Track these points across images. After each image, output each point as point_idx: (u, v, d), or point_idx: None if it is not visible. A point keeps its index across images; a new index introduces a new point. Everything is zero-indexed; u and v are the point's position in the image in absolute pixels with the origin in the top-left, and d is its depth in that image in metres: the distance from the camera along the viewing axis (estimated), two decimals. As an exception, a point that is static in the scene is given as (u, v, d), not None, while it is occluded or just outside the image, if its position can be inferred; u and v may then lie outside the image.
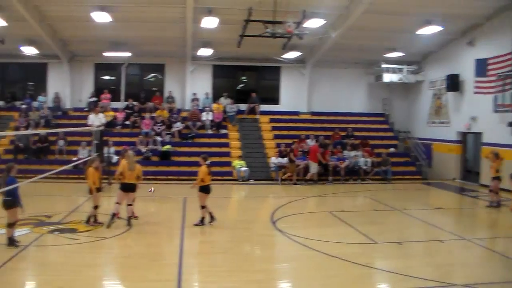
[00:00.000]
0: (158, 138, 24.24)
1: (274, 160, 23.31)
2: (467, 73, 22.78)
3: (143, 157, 22.36)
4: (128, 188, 12.90)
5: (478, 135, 23.10)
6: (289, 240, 12.11)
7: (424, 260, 10.86)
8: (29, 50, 24.54)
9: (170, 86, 27.88)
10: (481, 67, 20.88)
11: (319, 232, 12.91)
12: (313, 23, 19.96)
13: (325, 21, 20.62)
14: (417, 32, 22.21)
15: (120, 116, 25.64)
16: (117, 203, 12.83)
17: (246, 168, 22.77)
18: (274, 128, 26.92)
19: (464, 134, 24.41)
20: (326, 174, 23.20)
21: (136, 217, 13.61)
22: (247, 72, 29.60)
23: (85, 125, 22.37)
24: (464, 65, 23.16)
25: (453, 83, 23.90)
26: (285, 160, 23.06)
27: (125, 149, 16.18)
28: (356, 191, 21.09)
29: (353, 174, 23.60)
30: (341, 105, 28.80)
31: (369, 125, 28.20)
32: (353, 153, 24.10)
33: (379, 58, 26.79)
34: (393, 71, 26.95)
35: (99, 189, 13.15)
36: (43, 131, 22.68)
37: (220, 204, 17.14)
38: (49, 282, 8.64)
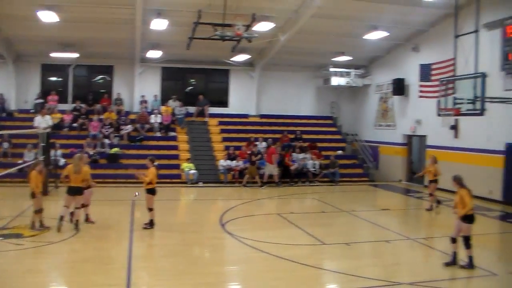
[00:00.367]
0: (106, 141, 23.76)
1: (222, 162, 23.25)
2: (412, 77, 23.37)
3: (91, 159, 21.81)
4: (74, 191, 12.56)
5: (422, 137, 23.70)
6: (238, 242, 12.05)
7: (372, 260, 11.07)
8: (-29, 50, 23.56)
9: (119, 88, 27.37)
10: (425, 72, 21.41)
11: (268, 234, 12.90)
12: (262, 26, 20.05)
13: (274, 25, 20.71)
14: (364, 37, 22.63)
15: (68, 118, 24.91)
16: (65, 206, 12.50)
17: (195, 171, 22.59)
18: (222, 131, 26.81)
19: (409, 137, 24.98)
20: (287, 177, 23.43)
21: (93, 222, 13.34)
22: (196, 75, 29.36)
23: (31, 127, 21.62)
24: (409, 69, 23.75)
25: (399, 87, 24.49)
26: (233, 163, 23.08)
27: (81, 152, 15.85)
28: (304, 193, 21.23)
29: (302, 176, 23.74)
30: (290, 108, 29.01)
31: (317, 128, 28.47)
32: (301, 155, 24.27)
33: (327, 62, 27.12)
34: (341, 74, 27.36)
35: (42, 193, 12.73)
36: (-14, 133, 21.82)
37: (169, 207, 17.05)
38: (-10, 289, 8.30)
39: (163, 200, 16.42)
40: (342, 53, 25.79)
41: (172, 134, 25.86)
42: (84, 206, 13.26)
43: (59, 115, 24.71)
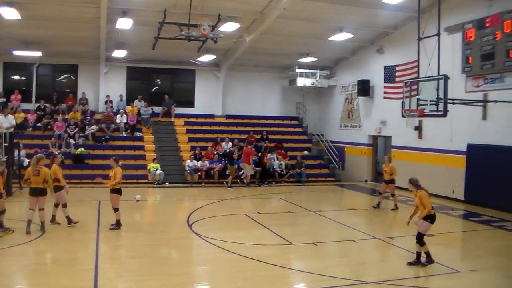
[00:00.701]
0: (72, 141, 23.41)
1: (189, 163, 23.16)
2: (377, 78, 23.73)
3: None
4: (36, 192, 12.34)
5: (387, 138, 24.08)
6: (205, 243, 12.01)
7: (339, 259, 11.20)
8: None
9: (84, 88, 26.96)
10: (390, 73, 21.80)
11: (235, 234, 12.92)
12: (228, 27, 20.10)
13: (240, 25, 20.77)
14: (329, 39, 22.92)
15: (32, 117, 24.44)
16: (30, 209, 12.26)
17: (161, 171, 22.43)
18: (189, 131, 26.73)
19: (374, 138, 25.35)
20: (266, 176, 23.67)
21: (59, 223, 13.16)
22: (162, 75, 29.22)
23: (-7, 127, 21.13)
24: (374, 71, 24.11)
25: (364, 88, 24.80)
26: (199, 163, 23.03)
27: (43, 153, 15.62)
28: (271, 194, 21.29)
29: (268, 176, 23.83)
30: (256, 109, 29.14)
31: (283, 129, 28.72)
32: (267, 156, 24.33)
33: (293, 63, 27.32)
34: (307, 75, 27.56)
35: (1, 195, 12.45)
36: None
37: (135, 207, 16.93)
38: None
39: (129, 201, 16.36)
40: (308, 54, 26.02)
41: (138, 134, 25.65)
42: (63, 206, 13.14)
43: (22, 115, 24.24)
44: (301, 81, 27.55)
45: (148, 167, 22.76)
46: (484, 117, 17.78)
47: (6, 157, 17.25)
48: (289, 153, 25.60)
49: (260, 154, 24.09)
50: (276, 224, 14.21)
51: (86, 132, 24.37)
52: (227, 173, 22.90)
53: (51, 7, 19.26)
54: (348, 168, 26.79)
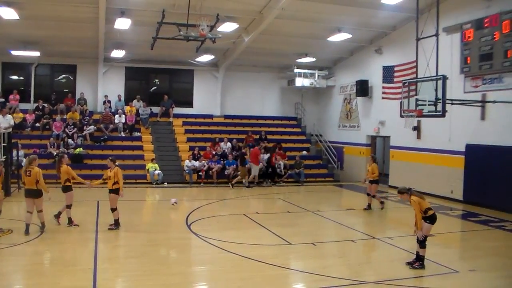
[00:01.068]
0: (70, 141, 23.39)
1: (187, 163, 23.14)
2: (376, 79, 23.75)
3: (54, 160, 21.40)
4: (30, 194, 12.18)
5: (386, 138, 24.08)
6: (204, 243, 12.00)
7: (338, 259, 11.19)
8: None
9: (82, 88, 26.94)
10: (388, 73, 21.80)
11: (234, 234, 12.92)
12: (227, 27, 20.12)
13: (238, 25, 20.77)
14: (328, 39, 22.92)
15: (30, 117, 24.42)
16: (28, 212, 12.15)
17: (159, 171, 22.43)
18: (187, 131, 26.73)
19: (373, 138, 25.35)
20: (273, 176, 23.77)
21: (76, 225, 13.17)
22: (160, 75, 29.21)
23: (-8, 127, 21.12)
24: (373, 71, 24.14)
25: (362, 89, 24.81)
26: (198, 163, 23.02)
27: (36, 153, 15.59)
28: (270, 194, 21.27)
29: (267, 176, 23.84)
30: (254, 109, 29.15)
31: (281, 129, 28.75)
32: (266, 156, 24.33)
33: (291, 63, 27.34)
34: (305, 76, 27.58)
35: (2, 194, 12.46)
36: None
37: (134, 207, 16.93)
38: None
39: (128, 201, 16.32)
40: (306, 55, 26.05)
41: (136, 134, 25.65)
42: (69, 207, 13.16)
43: (21, 115, 24.24)
44: (299, 81, 27.57)
45: (147, 167, 22.77)
46: (483, 117, 17.78)
47: (4, 157, 17.21)
48: (288, 153, 25.57)
49: (269, 154, 24.22)
50: (275, 224, 14.21)
51: (85, 132, 24.35)
52: (225, 173, 22.98)
53: (50, 7, 19.24)
54: (346, 168, 26.80)
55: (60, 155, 14.86)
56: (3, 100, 24.75)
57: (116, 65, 26.93)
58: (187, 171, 22.99)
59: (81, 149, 23.16)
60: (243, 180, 22.41)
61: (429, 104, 15.50)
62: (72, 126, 24.14)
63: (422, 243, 9.89)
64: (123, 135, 25.37)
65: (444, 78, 15.11)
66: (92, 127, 24.63)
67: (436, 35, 15.94)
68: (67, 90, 27.02)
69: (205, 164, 23.12)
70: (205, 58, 26.02)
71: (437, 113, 15.40)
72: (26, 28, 21.16)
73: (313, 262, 10.59)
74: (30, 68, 26.05)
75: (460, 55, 18.07)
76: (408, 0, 18.05)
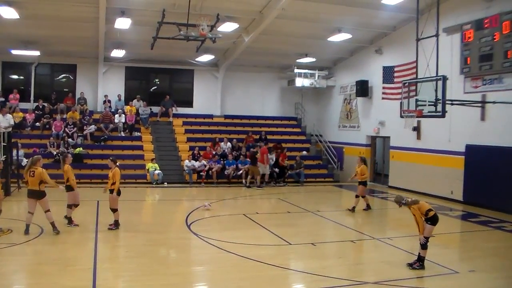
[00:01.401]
0: (70, 141, 23.39)
1: (187, 163, 23.14)
2: (376, 79, 23.75)
3: (54, 159, 21.44)
4: (33, 195, 12.03)
5: (386, 139, 24.07)
6: (204, 243, 12.00)
7: (337, 260, 11.17)
8: None
9: (82, 87, 26.91)
10: (388, 74, 21.80)
11: (234, 234, 12.91)
12: (227, 27, 20.13)
13: (239, 25, 20.77)
14: (328, 39, 22.91)
15: (30, 117, 24.42)
16: (29, 212, 12.05)
17: (159, 171, 22.44)
18: (187, 131, 26.73)
19: (373, 138, 25.34)
20: (282, 176, 23.86)
21: (76, 225, 13.18)
22: (160, 75, 29.20)
23: (-9, 126, 21.12)
24: (373, 71, 24.13)
25: (362, 89, 24.80)
26: (197, 163, 23.03)
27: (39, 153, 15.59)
28: (269, 194, 21.27)
29: (277, 177, 23.86)
30: (254, 109, 29.15)
31: (282, 129, 28.74)
32: (273, 156, 24.30)
33: (291, 63, 27.35)
34: (305, 76, 27.57)
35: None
36: None
37: (134, 207, 16.93)
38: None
39: (128, 201, 16.31)
40: (306, 55, 26.05)
41: (136, 134, 25.65)
42: (70, 206, 13.19)
43: (21, 114, 24.22)
44: (299, 82, 27.56)
45: (147, 167, 22.77)
46: (483, 118, 17.78)
47: (4, 156, 17.23)
48: (288, 154, 25.56)
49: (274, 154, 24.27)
50: (274, 224, 14.23)
51: (85, 132, 24.35)
52: (225, 173, 22.99)
53: (50, 6, 19.22)
54: (346, 168, 26.73)
55: (64, 154, 14.83)
56: (3, 99, 24.74)
57: (116, 65, 26.92)
58: (187, 171, 22.99)
59: (81, 148, 23.15)
60: (255, 181, 22.46)
61: (429, 105, 15.49)
62: (72, 126, 24.13)
63: (423, 244, 9.89)
64: (123, 135, 25.38)
65: (444, 78, 15.11)
66: (92, 127, 24.63)
67: (436, 35, 15.94)
68: (67, 90, 26.99)
69: (205, 164, 23.12)
70: (205, 58, 26.01)
71: (437, 114, 15.40)
72: (26, 27, 21.15)
73: (312, 262, 10.59)
74: (30, 68, 26.03)
75: (460, 55, 18.07)
76: (408, 1, 18.03)
